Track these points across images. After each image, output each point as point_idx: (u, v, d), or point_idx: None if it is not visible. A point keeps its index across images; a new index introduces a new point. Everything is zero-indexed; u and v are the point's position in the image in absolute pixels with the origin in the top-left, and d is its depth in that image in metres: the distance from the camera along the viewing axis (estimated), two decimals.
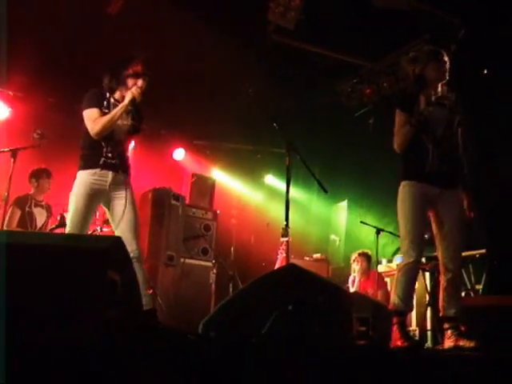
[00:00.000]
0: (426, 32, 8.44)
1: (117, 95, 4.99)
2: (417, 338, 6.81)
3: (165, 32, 7.83)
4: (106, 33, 7.72)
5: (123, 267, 3.06)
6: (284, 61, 8.72)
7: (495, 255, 7.11)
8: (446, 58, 4.78)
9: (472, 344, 4.34)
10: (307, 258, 8.73)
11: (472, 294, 6.98)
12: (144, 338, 2.78)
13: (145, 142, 9.97)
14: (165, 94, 8.76)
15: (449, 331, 4.56)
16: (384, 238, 7.95)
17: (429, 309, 6.81)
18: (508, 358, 3.49)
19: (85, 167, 4.86)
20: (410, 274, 4.60)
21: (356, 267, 8.12)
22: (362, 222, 8.19)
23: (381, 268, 8.17)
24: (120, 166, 4.94)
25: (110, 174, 4.85)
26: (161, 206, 7.88)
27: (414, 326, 7.17)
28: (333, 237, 10.01)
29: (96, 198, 4.86)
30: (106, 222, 7.05)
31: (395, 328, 4.53)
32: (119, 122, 4.90)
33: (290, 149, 5.68)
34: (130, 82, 4.92)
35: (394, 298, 4.61)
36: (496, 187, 7.99)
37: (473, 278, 7.11)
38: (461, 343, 4.42)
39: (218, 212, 8.64)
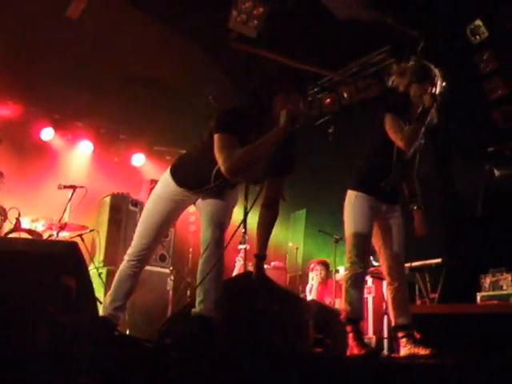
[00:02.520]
0: (387, 43, 8.55)
1: None
2: (373, 345, 6.85)
3: (126, 37, 7.78)
4: (68, 37, 7.66)
5: (79, 273, 3.02)
6: (245, 68, 8.72)
7: (451, 264, 7.20)
8: (435, 77, 4.69)
9: (427, 351, 4.38)
10: (265, 266, 8.72)
11: (428, 303, 7.05)
12: (99, 344, 2.74)
13: (104, 146, 9.93)
14: (126, 99, 8.72)
15: (404, 339, 4.59)
16: (342, 247, 7.99)
17: (385, 317, 6.86)
18: (462, 365, 3.53)
19: None
20: (358, 283, 4.63)
21: (314, 275, 8.15)
22: (320, 230, 8.22)
23: (338, 276, 8.20)
24: None
25: None
26: (118, 212, 7.81)
27: (370, 334, 7.22)
28: (291, 245, 10.02)
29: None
30: (63, 227, 6.97)
31: (351, 336, 4.54)
32: None
33: None
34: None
35: (345, 307, 4.62)
36: (452, 198, 8.10)
37: (429, 287, 7.19)
38: (416, 351, 4.46)
39: None
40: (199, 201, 4.12)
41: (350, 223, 4.71)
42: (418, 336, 4.62)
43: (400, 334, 4.64)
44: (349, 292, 4.60)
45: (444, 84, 4.70)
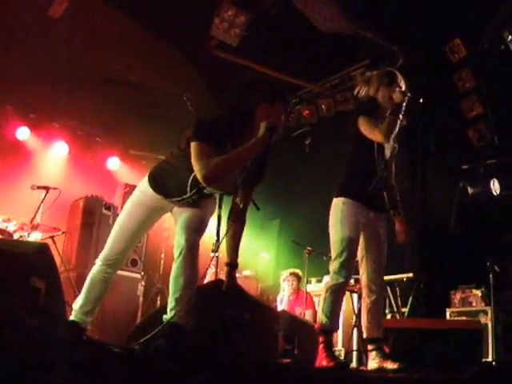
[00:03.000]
0: (366, 57, 8.61)
1: None
2: (342, 358, 6.86)
3: (105, 39, 7.75)
4: (48, 36, 7.62)
5: (48, 275, 3.00)
6: (224, 76, 8.73)
7: (421, 279, 7.24)
8: (401, 82, 4.73)
9: (395, 365, 4.38)
10: (237, 275, 8.71)
11: (398, 317, 7.08)
12: (67, 348, 2.71)
13: (80, 148, 9.86)
14: (103, 101, 8.68)
15: (373, 352, 4.58)
16: (314, 259, 7.99)
17: (355, 330, 6.87)
18: (429, 380, 3.54)
19: None
20: (338, 293, 4.56)
21: (286, 286, 8.15)
22: (293, 241, 8.23)
23: (310, 288, 8.21)
24: None
25: None
26: (91, 215, 7.76)
27: (339, 347, 7.23)
28: (263, 255, 10.02)
29: None
30: (35, 229, 6.91)
31: (321, 347, 4.51)
32: None
33: None
34: None
35: (321, 317, 4.55)
36: (425, 213, 8.16)
37: (399, 301, 7.23)
38: (385, 364, 4.45)
39: None
40: (175, 208, 4.10)
41: (336, 230, 4.63)
42: (386, 350, 4.62)
43: (370, 347, 4.63)
44: (327, 302, 4.54)
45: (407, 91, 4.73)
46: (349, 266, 4.56)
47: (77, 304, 4.03)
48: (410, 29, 7.66)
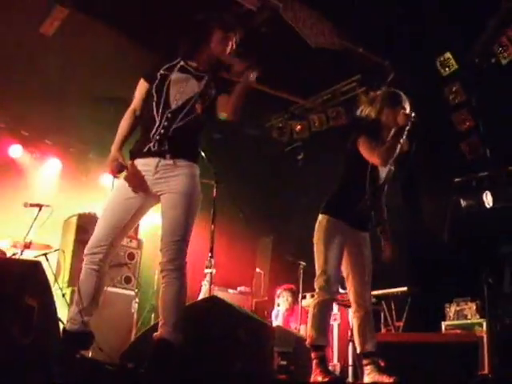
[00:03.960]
0: (358, 73, 8.65)
1: None
2: (337, 373, 6.83)
3: (97, 56, 7.78)
4: (40, 53, 7.62)
5: (41, 293, 2.98)
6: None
7: (416, 293, 7.24)
8: (405, 103, 4.79)
9: (391, 380, 4.36)
10: (231, 291, 8.70)
11: (393, 331, 7.07)
12: (61, 366, 2.69)
13: (73, 165, 9.84)
14: (97, 118, 8.68)
15: (368, 367, 4.58)
16: (308, 274, 7.98)
17: (350, 344, 6.85)
18: None
19: None
20: (326, 309, 4.60)
21: (281, 302, 8.14)
22: (286, 257, 8.22)
23: (304, 303, 8.19)
24: None
25: None
26: (85, 232, 7.69)
27: (335, 361, 7.20)
28: (258, 270, 10.00)
29: None
30: (28, 246, 6.88)
31: (315, 363, 4.49)
32: None
33: (217, 180, 5.68)
34: None
35: (310, 333, 4.56)
36: (418, 226, 8.17)
37: (394, 315, 7.22)
38: (380, 379, 4.44)
39: (143, 240, 8.52)
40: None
41: (319, 247, 4.65)
42: (382, 364, 4.61)
43: (365, 362, 4.63)
44: (315, 318, 4.55)
45: (412, 113, 4.74)
46: (334, 282, 4.58)
47: (72, 306, 3.88)
48: (401, 43, 7.70)
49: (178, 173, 3.82)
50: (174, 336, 3.54)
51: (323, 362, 4.50)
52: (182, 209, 3.80)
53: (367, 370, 4.58)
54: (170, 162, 3.80)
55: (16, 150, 9.05)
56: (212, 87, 4.09)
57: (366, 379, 4.56)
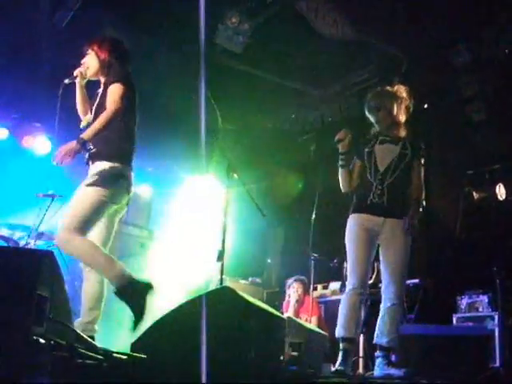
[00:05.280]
0: (371, 63, 8.61)
1: None
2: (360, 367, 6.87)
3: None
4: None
5: (54, 283, 2.99)
6: (229, 83, 8.73)
7: (428, 285, 7.22)
8: (404, 96, 4.95)
9: (401, 373, 4.39)
10: (242, 282, 8.72)
11: (405, 323, 7.06)
12: (72, 356, 2.71)
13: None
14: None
15: (378, 359, 4.61)
16: (320, 265, 7.98)
17: (362, 336, 6.85)
18: None
19: None
20: (348, 301, 4.68)
21: (291, 293, 8.13)
22: (298, 248, 8.22)
23: (316, 294, 8.20)
24: None
25: None
26: None
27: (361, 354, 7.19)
28: (269, 261, 10.01)
29: None
30: (41, 236, 6.91)
31: (340, 353, 4.64)
32: None
33: (230, 171, 5.68)
34: None
35: (337, 326, 4.72)
36: (430, 218, 8.14)
37: (406, 307, 7.21)
38: (389, 371, 4.47)
39: (155, 231, 8.54)
40: None
41: (347, 244, 4.83)
42: (393, 358, 4.64)
43: (377, 353, 4.66)
44: (340, 309, 4.72)
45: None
46: (356, 275, 4.68)
47: None
48: (414, 34, 7.65)
49: None
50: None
51: (346, 354, 4.64)
52: None
53: (377, 361, 4.62)
54: None
55: (30, 140, 9.08)
56: None
57: (377, 371, 4.59)
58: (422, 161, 4.97)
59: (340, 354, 4.64)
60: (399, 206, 4.81)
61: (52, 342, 2.59)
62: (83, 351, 2.77)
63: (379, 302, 4.87)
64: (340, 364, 4.58)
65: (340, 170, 4.93)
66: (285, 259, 10.29)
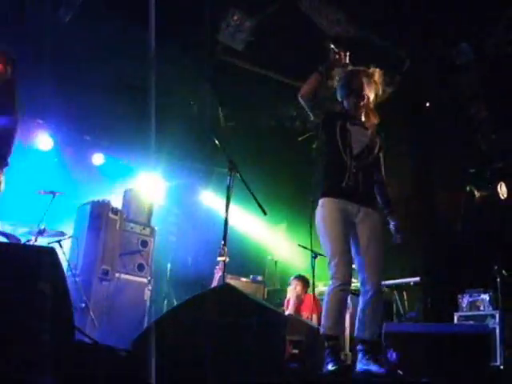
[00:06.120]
0: (373, 61, 8.60)
1: None
2: (349, 362, 6.83)
3: (108, 40, 7.77)
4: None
5: (56, 279, 3.00)
6: (230, 80, 8.73)
7: (429, 284, 7.23)
8: (379, 81, 4.86)
9: (382, 370, 4.30)
10: (244, 279, 8.71)
11: (405, 322, 7.06)
12: (73, 352, 2.71)
13: (87, 153, 9.87)
14: (119, 108, 8.69)
15: (360, 354, 4.51)
16: (322, 262, 7.98)
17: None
18: None
19: None
20: (336, 297, 4.43)
21: (291, 290, 8.14)
22: (299, 245, 8.21)
23: (317, 291, 8.19)
24: None
25: None
26: (98, 219, 7.75)
27: (347, 351, 7.19)
28: (270, 258, 10.02)
29: None
30: (42, 233, 6.92)
31: (326, 352, 4.44)
32: None
33: (231, 168, 5.67)
34: None
35: (323, 322, 4.49)
36: (431, 217, 8.14)
37: (406, 306, 7.21)
38: (370, 368, 4.37)
39: (156, 228, 8.55)
40: None
41: (323, 232, 4.56)
42: (375, 353, 4.53)
43: (359, 348, 4.56)
44: (327, 307, 4.47)
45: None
46: (343, 268, 4.41)
47: None
48: (416, 32, 7.65)
49: None
50: None
51: (334, 352, 4.43)
52: None
53: (359, 356, 4.52)
54: None
55: (41, 140, 9.12)
56: None
57: (358, 366, 4.49)
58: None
59: (329, 351, 4.42)
60: (372, 194, 4.71)
61: (53, 338, 2.59)
62: (85, 347, 2.77)
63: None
64: (334, 363, 4.35)
65: (316, 74, 4.72)
66: (286, 256, 10.28)
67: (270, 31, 7.73)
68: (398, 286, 7.27)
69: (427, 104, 5.15)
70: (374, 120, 4.81)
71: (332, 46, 4.74)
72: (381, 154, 4.83)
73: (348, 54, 4.76)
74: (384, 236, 4.65)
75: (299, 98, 4.69)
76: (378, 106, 4.90)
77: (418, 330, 5.55)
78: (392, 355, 4.77)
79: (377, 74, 4.87)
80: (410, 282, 7.20)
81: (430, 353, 5.04)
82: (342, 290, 4.43)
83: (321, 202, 4.65)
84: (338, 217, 4.51)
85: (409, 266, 7.56)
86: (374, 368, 4.34)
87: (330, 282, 4.50)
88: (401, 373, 4.46)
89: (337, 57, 4.75)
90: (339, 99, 4.95)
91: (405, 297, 7.25)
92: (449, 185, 8.08)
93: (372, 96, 4.79)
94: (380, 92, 4.88)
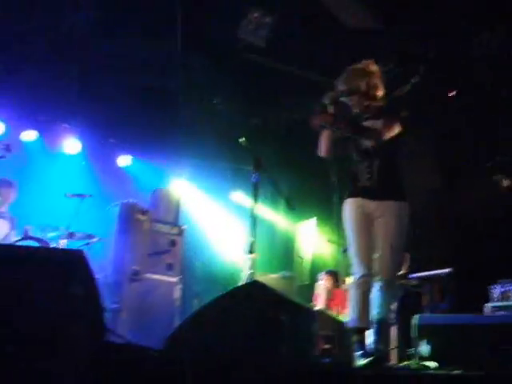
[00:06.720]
0: (393, 54, 8.56)
1: None
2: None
3: (131, 42, 7.81)
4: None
5: (86, 281, 3.03)
6: (254, 77, 8.73)
7: (459, 275, 7.18)
8: (375, 70, 4.93)
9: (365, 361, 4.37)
10: (273, 275, 8.72)
11: (436, 313, 7.02)
12: (106, 353, 2.74)
13: (114, 155, 9.94)
14: (132, 107, 8.73)
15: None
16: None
17: (394, 327, 6.82)
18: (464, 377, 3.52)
19: None
20: (359, 290, 4.56)
21: (321, 285, 8.13)
22: (328, 240, 8.21)
23: (346, 286, 8.17)
24: None
25: None
26: (127, 221, 7.80)
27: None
28: (299, 254, 10.01)
29: None
30: (70, 236, 6.98)
31: (356, 346, 4.52)
32: None
33: (257, 165, 5.68)
34: None
35: (350, 316, 4.61)
36: (461, 208, 8.08)
37: (437, 297, 7.17)
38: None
39: (184, 227, 8.59)
40: None
41: (347, 231, 4.77)
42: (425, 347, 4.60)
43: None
44: (350, 299, 4.62)
45: None
46: (362, 262, 4.58)
47: None
48: (439, 22, 7.58)
49: None
50: None
51: (363, 344, 4.51)
52: None
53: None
54: None
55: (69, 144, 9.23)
56: None
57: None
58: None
59: (358, 344, 4.52)
60: (391, 185, 4.73)
61: (86, 340, 2.62)
62: (117, 348, 2.79)
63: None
64: (364, 356, 4.43)
65: (324, 131, 4.87)
66: (316, 252, 10.27)
67: (290, 27, 7.71)
68: (428, 278, 7.23)
69: (452, 94, 5.12)
70: (379, 103, 4.86)
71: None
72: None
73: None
74: (406, 226, 4.70)
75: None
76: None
77: (449, 321, 5.51)
78: (424, 347, 4.76)
79: (368, 64, 4.96)
80: (440, 274, 7.16)
81: (462, 344, 5.01)
82: (363, 281, 4.56)
83: (345, 202, 4.85)
84: (357, 215, 4.70)
85: (438, 257, 7.51)
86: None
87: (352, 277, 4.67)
88: (434, 365, 4.44)
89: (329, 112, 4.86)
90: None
91: (435, 288, 7.21)
92: (476, 173, 8.01)
93: (370, 87, 4.83)
94: (379, 76, 4.97)
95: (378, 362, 4.45)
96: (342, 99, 4.89)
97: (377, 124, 4.77)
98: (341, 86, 4.87)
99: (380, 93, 4.88)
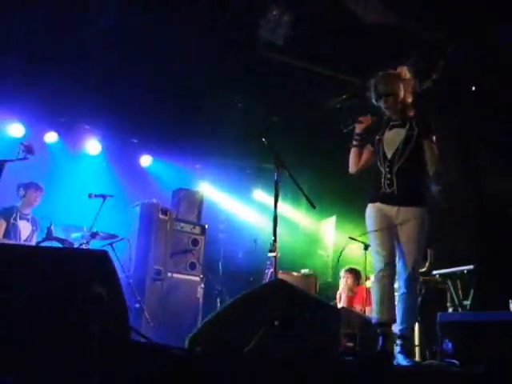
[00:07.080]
0: (415, 48, 8.50)
1: None
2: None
3: (153, 43, 7.82)
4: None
5: (110, 281, 3.05)
6: (273, 76, 8.72)
7: (483, 271, 7.13)
8: (409, 77, 4.99)
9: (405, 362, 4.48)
10: (295, 274, 8.71)
11: (460, 310, 6.98)
12: (129, 352, 2.75)
13: (135, 156, 9.99)
14: (153, 107, 8.75)
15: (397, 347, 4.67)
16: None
17: (417, 324, 6.79)
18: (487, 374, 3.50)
19: None
20: (380, 283, 4.66)
21: (342, 283, 8.11)
22: (350, 237, 8.16)
23: (369, 284, 8.14)
24: None
25: None
26: (148, 220, 7.85)
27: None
28: (321, 252, 9.99)
29: None
30: (94, 236, 7.03)
31: (379, 339, 4.61)
32: None
33: (278, 164, 5.68)
34: None
35: (374, 311, 4.74)
36: (482, 203, 8.02)
37: (460, 294, 7.13)
38: (398, 360, 4.56)
39: (206, 226, 8.61)
40: None
41: (369, 234, 4.89)
42: (449, 345, 4.62)
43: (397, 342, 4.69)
44: (372, 294, 4.80)
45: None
46: (381, 258, 4.69)
47: None
48: (459, 15, 7.51)
49: None
50: None
51: (384, 338, 4.59)
52: None
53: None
54: None
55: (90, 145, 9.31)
56: None
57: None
58: (434, 137, 4.82)
59: (380, 339, 4.61)
60: (411, 192, 4.81)
61: (110, 339, 2.64)
62: (141, 347, 2.81)
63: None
64: (381, 348, 4.58)
65: (352, 149, 5.10)
66: (337, 249, 10.24)
67: (309, 24, 7.70)
68: (451, 275, 7.19)
69: (473, 88, 5.08)
70: (411, 114, 4.92)
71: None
72: (423, 142, 4.83)
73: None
74: (426, 232, 4.81)
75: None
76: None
77: (473, 318, 5.47)
78: (448, 345, 4.74)
79: (403, 71, 5.02)
80: (463, 270, 7.12)
81: (486, 342, 4.98)
82: (383, 275, 4.67)
83: (367, 207, 4.98)
84: (377, 216, 4.85)
85: (461, 253, 7.46)
86: (400, 360, 4.53)
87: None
88: (457, 363, 4.42)
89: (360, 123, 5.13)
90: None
91: (459, 285, 7.17)
92: (502, 170, 7.94)
93: (401, 93, 4.90)
94: (414, 83, 5.03)
95: (385, 356, 4.52)
96: (377, 101, 5.01)
97: (401, 133, 4.84)
98: (380, 87, 4.96)
99: (410, 100, 4.96)
